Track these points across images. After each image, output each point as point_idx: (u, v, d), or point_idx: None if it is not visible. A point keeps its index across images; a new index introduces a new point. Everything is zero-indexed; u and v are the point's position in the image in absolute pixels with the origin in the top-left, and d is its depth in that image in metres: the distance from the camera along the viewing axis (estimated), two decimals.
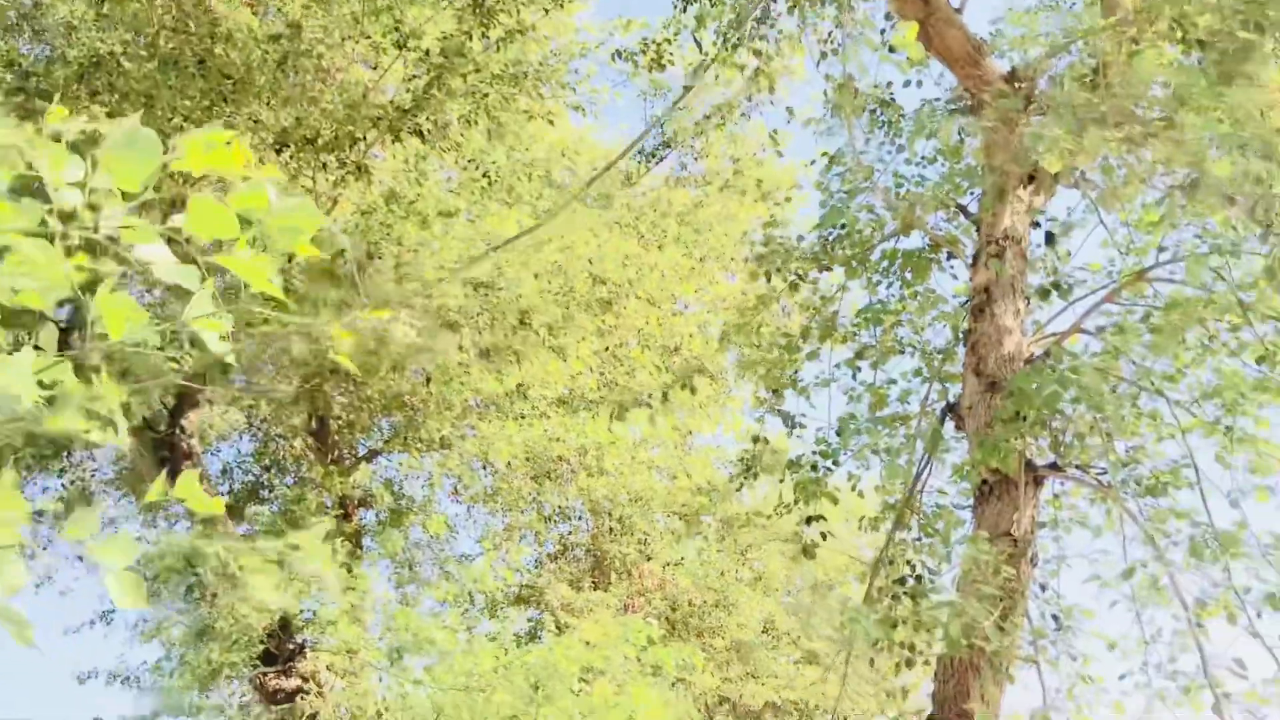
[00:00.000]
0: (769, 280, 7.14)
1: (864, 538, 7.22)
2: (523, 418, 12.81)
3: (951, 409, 6.15)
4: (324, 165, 9.42)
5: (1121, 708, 6.22)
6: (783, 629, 17.84)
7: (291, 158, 9.05)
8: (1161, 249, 5.89)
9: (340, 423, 13.06)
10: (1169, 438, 5.94)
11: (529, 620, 15.80)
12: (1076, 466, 5.51)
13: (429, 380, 11.98)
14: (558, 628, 12.98)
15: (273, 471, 14.15)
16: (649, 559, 16.46)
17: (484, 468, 14.57)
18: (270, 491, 14.21)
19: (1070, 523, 6.37)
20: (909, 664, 5.79)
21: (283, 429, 13.56)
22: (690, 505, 16.54)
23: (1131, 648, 6.47)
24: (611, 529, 16.70)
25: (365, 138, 9.35)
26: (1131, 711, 6.24)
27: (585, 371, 12.01)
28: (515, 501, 14.31)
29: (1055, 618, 6.07)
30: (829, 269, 7.16)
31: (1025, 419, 5.17)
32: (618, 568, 16.49)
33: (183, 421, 11.14)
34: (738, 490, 8.18)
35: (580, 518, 16.25)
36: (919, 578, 5.65)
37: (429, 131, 9.31)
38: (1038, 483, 5.56)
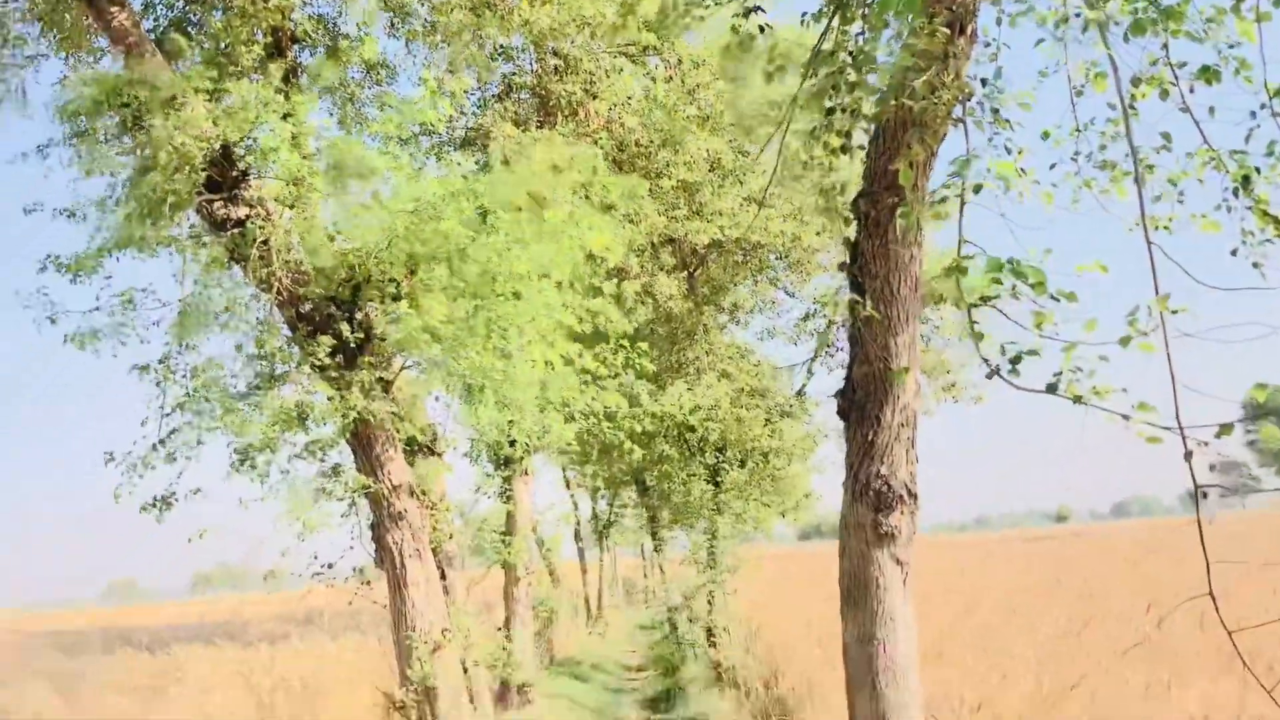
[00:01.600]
0: None
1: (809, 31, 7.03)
2: None
3: None
4: None
5: (1050, 198, 6.41)
6: (729, 168, 18.07)
7: None
8: None
9: None
10: None
11: (475, 162, 15.79)
12: None
13: None
14: (505, 162, 12.97)
15: (198, 3, 13.43)
16: (595, 98, 16.26)
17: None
18: (198, 28, 13.57)
19: (1015, 14, 6.23)
20: (844, 150, 5.87)
21: None
22: (639, 41, 16.11)
23: (1064, 138, 6.58)
24: (557, 68, 16.34)
25: None
26: (1059, 201, 6.44)
27: None
28: (456, 35, 13.80)
29: (995, 110, 6.09)
30: None
31: None
32: (563, 108, 16.30)
33: None
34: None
35: (525, 51, 15.82)
36: (857, 61, 5.57)
37: None
38: None
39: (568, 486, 34.90)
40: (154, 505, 10.67)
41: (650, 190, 16.63)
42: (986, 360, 4.24)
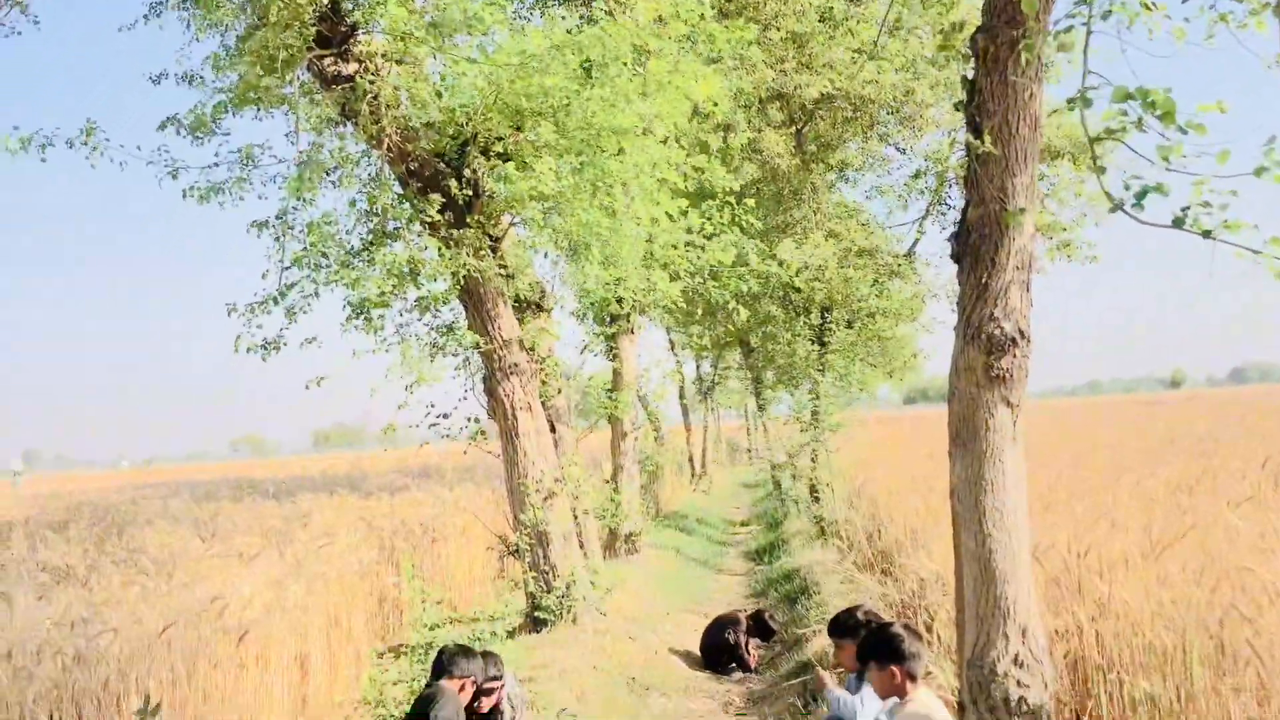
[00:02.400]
0: None
1: None
2: None
3: None
4: None
5: (1182, 33, 6.09)
6: (840, 18, 17.47)
7: None
8: None
9: None
10: None
11: (580, 16, 15.55)
12: None
13: None
14: (609, 13, 12.76)
15: None
16: None
17: None
18: None
19: None
20: None
21: None
22: None
23: None
24: None
25: None
26: (1193, 37, 6.11)
27: None
28: None
29: None
30: None
31: None
32: None
33: None
34: None
35: None
36: None
37: None
38: None
39: (672, 349, 35.17)
40: (262, 347, 11.12)
41: (758, 42, 16.19)
42: (1109, 195, 4.12)
